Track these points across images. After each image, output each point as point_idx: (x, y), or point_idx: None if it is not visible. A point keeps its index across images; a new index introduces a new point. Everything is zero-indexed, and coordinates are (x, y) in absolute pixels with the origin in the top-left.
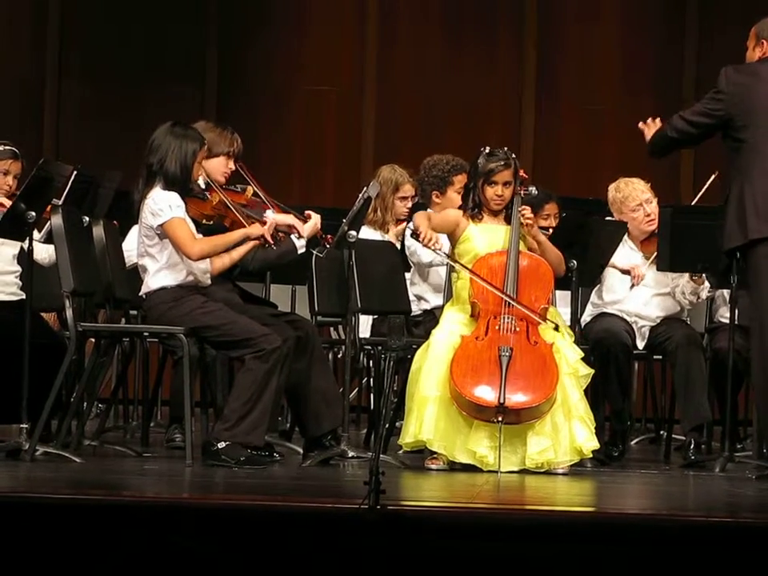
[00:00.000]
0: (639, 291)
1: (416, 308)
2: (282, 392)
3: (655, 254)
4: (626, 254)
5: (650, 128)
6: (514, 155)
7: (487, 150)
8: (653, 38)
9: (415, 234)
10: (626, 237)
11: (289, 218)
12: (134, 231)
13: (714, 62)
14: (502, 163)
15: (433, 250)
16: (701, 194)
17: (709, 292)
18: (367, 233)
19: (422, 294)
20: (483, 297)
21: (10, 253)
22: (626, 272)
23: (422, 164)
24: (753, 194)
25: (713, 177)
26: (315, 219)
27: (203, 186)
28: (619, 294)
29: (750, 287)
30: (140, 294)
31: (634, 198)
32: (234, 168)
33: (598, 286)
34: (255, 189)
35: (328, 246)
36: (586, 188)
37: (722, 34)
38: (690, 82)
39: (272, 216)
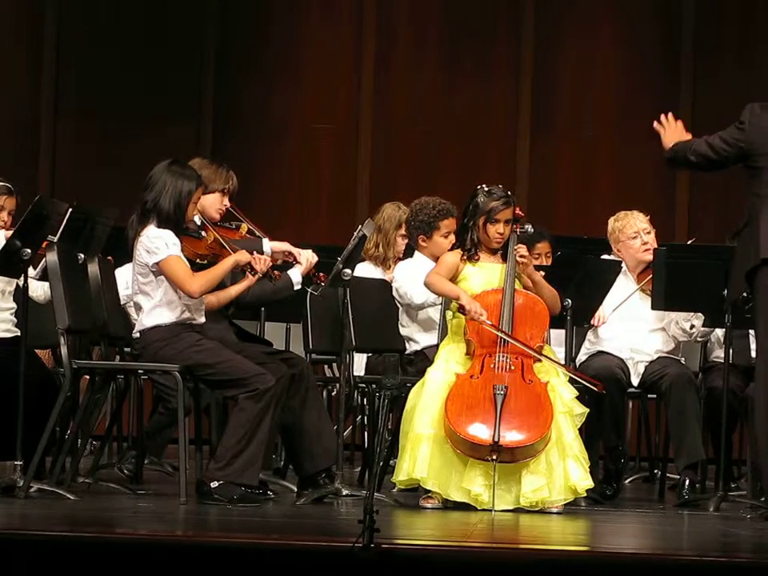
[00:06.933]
0: (636, 326)
1: (407, 348)
2: (276, 430)
3: (647, 279)
4: (622, 285)
5: (667, 129)
6: (510, 193)
7: (486, 188)
8: (649, 77)
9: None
10: (624, 268)
11: (285, 245)
12: (121, 271)
13: (709, 90)
14: (504, 201)
15: (481, 323)
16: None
17: (702, 326)
18: (367, 269)
19: (411, 335)
20: (478, 335)
21: (5, 290)
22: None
23: (410, 207)
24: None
25: (691, 240)
26: (310, 257)
27: (198, 224)
28: (616, 330)
29: (759, 310)
30: (134, 331)
31: (632, 226)
32: (228, 205)
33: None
34: (250, 226)
35: (322, 284)
36: (582, 214)
37: (718, 61)
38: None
39: (269, 245)
